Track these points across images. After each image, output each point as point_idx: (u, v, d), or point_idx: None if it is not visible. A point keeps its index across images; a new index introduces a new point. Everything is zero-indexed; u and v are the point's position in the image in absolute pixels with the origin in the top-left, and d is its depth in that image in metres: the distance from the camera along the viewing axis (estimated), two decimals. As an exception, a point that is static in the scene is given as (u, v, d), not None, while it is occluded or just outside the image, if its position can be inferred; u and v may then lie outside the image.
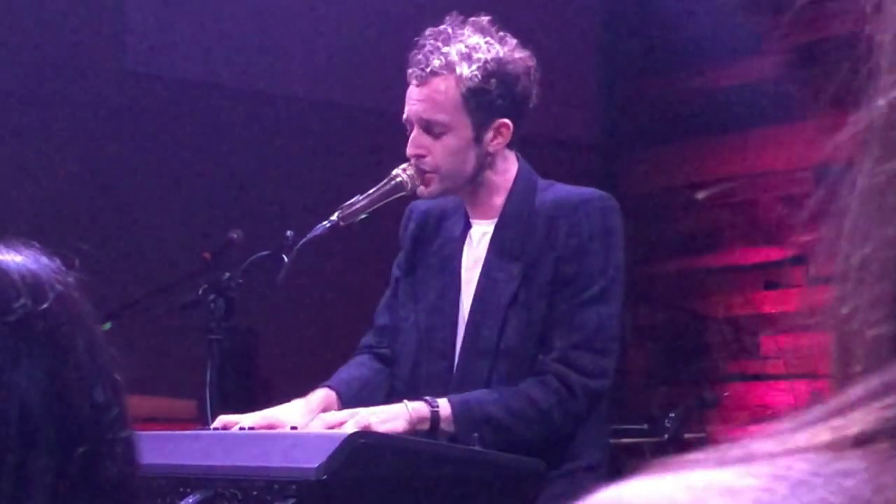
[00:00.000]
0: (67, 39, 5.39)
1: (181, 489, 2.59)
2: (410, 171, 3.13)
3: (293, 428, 2.91)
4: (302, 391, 3.19)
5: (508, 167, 3.19)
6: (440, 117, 3.09)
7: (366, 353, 3.32)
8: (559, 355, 3.02)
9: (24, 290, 1.13)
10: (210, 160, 5.68)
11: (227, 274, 3.37)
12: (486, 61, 3.08)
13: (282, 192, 5.72)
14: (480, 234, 3.19)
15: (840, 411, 0.50)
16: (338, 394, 3.15)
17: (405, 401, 2.94)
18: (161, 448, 2.64)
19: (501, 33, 3.13)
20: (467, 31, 3.11)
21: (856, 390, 0.50)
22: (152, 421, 4.05)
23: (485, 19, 3.12)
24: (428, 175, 3.12)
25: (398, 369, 3.23)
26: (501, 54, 3.09)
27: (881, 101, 0.52)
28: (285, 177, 5.83)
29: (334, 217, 3.13)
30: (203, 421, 3.35)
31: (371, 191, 3.14)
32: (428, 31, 3.13)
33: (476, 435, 2.85)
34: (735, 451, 0.50)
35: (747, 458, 0.49)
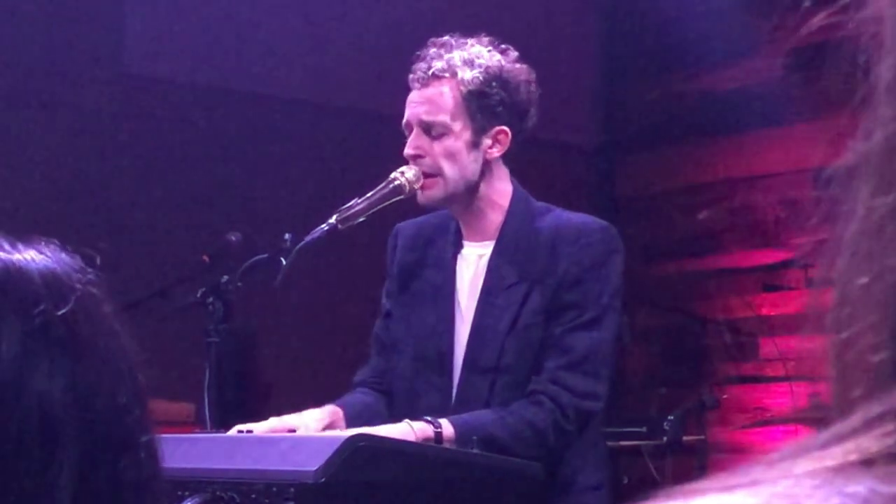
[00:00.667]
0: (65, 42, 5.39)
1: (179, 492, 2.59)
2: (409, 175, 3.13)
3: (291, 431, 2.90)
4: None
5: (504, 187, 3.19)
6: (440, 118, 3.10)
7: (362, 387, 3.30)
8: (550, 376, 3.03)
9: (45, 294, 1.12)
10: (208, 163, 5.68)
11: (226, 277, 3.37)
12: (487, 67, 3.10)
13: (280, 195, 5.72)
14: (476, 257, 3.18)
15: (842, 438, 0.50)
16: (344, 412, 3.15)
17: (407, 420, 2.94)
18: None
19: (503, 46, 3.15)
20: (469, 41, 3.14)
21: (857, 416, 0.50)
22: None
23: (486, 39, 3.15)
24: (430, 179, 3.12)
25: (396, 398, 3.23)
26: (503, 62, 3.12)
27: (879, 135, 0.52)
28: (284, 180, 5.83)
29: (332, 220, 3.12)
30: (201, 423, 3.35)
31: (369, 194, 3.14)
32: (430, 41, 3.15)
33: (475, 438, 2.85)
34: (738, 478, 0.50)
35: (751, 484, 0.50)
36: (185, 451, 2.74)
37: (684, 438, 5.33)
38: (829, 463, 0.49)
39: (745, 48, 6.31)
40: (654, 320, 6.67)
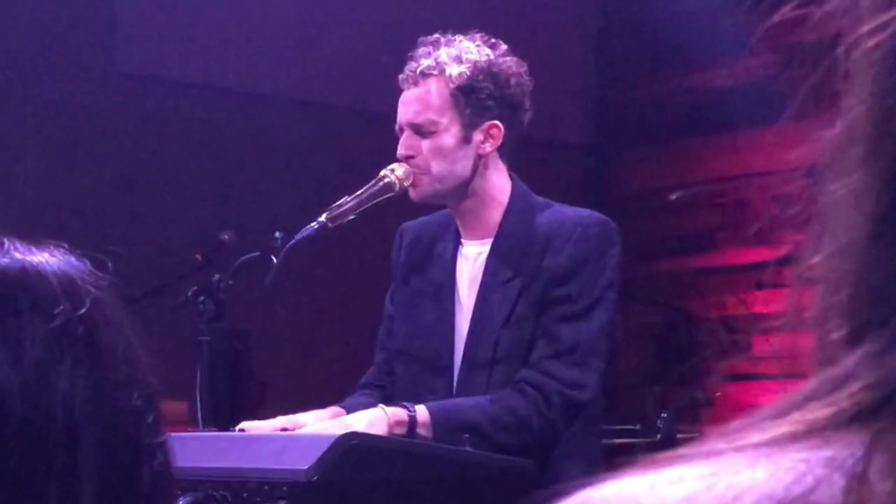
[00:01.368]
0: (57, 41, 5.38)
1: (171, 491, 2.58)
2: (399, 172, 3.12)
3: (283, 429, 2.90)
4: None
5: (503, 184, 3.18)
6: (430, 116, 3.10)
7: (366, 388, 3.30)
8: (536, 366, 3.02)
9: (63, 295, 1.12)
10: (200, 162, 5.67)
11: (217, 275, 3.36)
12: (476, 62, 3.09)
13: (271, 194, 5.71)
14: (475, 255, 3.17)
15: (791, 408, 0.52)
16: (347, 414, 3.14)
17: (381, 405, 2.93)
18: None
19: (493, 41, 3.14)
20: (458, 37, 3.13)
21: (808, 386, 0.52)
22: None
23: (477, 35, 3.14)
24: (418, 176, 3.12)
25: (398, 397, 3.22)
26: (492, 57, 3.11)
27: (840, 124, 0.55)
28: (275, 178, 5.82)
29: (323, 218, 3.12)
30: (193, 422, 3.34)
31: (360, 192, 3.14)
32: (420, 40, 3.15)
33: (466, 436, 2.85)
34: (692, 449, 0.52)
35: (702, 455, 0.51)
36: (177, 450, 2.73)
37: (678, 436, 5.33)
38: (777, 432, 0.51)
39: (738, 47, 6.31)
40: (648, 318, 6.67)
